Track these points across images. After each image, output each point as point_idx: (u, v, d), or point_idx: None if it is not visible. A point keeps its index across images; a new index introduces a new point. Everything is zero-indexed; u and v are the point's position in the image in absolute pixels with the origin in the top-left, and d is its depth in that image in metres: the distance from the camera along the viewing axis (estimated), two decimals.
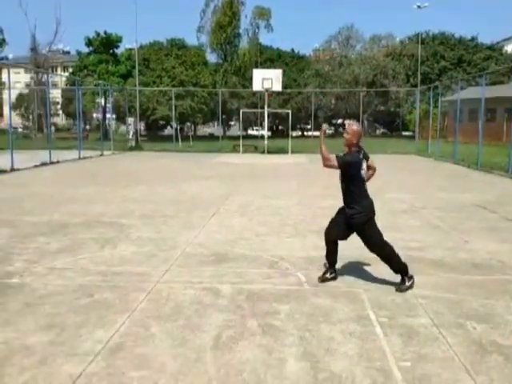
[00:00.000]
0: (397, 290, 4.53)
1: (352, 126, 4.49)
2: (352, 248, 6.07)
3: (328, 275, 4.83)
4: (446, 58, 49.91)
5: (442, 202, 9.75)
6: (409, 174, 15.45)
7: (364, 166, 4.53)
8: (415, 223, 7.66)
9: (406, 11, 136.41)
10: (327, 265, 4.88)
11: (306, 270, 5.16)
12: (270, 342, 3.50)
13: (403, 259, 4.48)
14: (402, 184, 12.46)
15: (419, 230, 7.15)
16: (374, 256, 5.69)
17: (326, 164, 4.51)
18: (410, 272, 4.65)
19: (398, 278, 4.64)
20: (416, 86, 39.52)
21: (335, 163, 4.44)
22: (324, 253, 5.80)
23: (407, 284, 4.56)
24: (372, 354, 3.33)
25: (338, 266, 5.33)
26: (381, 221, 7.73)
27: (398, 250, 5.90)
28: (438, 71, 48.94)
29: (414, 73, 46.22)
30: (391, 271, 5.12)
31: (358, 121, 39.82)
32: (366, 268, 5.27)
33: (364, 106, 34.20)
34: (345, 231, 4.68)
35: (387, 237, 6.64)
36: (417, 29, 64.21)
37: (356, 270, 5.21)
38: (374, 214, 4.60)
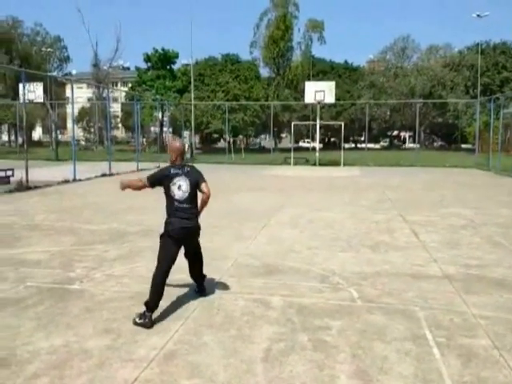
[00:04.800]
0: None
1: (173, 142, 4.51)
2: (407, 264, 5.91)
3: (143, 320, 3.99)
4: (507, 69, 47.81)
5: (503, 218, 9.28)
6: (468, 188, 14.83)
7: (184, 183, 4.39)
8: (475, 240, 7.33)
9: (464, 21, 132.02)
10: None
11: (359, 286, 5.05)
12: (321, 357, 3.45)
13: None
14: (461, 198, 11.97)
15: (479, 247, 6.83)
16: (433, 274, 5.52)
17: (139, 186, 4.56)
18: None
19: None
20: (476, 97, 38.09)
21: (145, 182, 4.50)
22: (378, 268, 5.69)
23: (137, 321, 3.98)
24: (428, 375, 3.21)
25: (395, 281, 5.19)
26: (438, 236, 7.56)
27: (457, 268, 5.70)
28: (499, 82, 46.94)
29: (473, 84, 44.58)
30: (448, 290, 4.94)
31: (415, 132, 38.78)
32: (423, 285, 5.08)
33: (420, 117, 33.27)
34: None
35: (445, 253, 6.44)
36: (476, 39, 61.90)
37: (412, 287, 5.04)
38: (171, 233, 4.51)
